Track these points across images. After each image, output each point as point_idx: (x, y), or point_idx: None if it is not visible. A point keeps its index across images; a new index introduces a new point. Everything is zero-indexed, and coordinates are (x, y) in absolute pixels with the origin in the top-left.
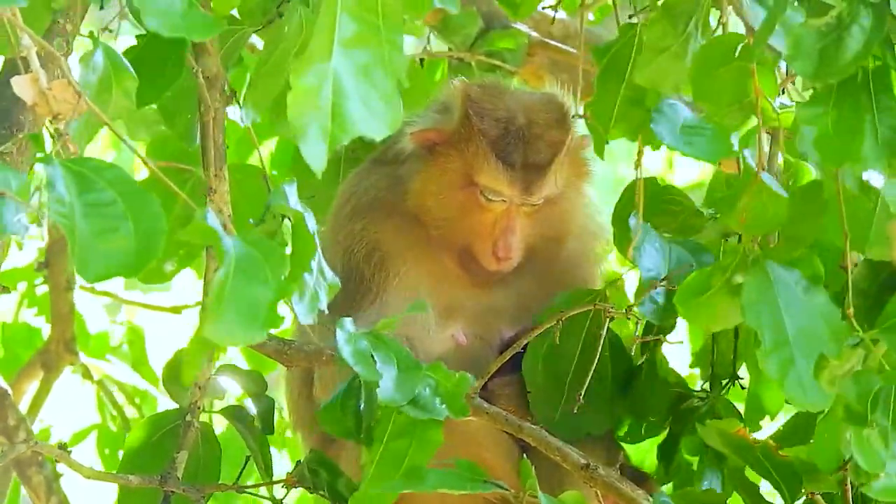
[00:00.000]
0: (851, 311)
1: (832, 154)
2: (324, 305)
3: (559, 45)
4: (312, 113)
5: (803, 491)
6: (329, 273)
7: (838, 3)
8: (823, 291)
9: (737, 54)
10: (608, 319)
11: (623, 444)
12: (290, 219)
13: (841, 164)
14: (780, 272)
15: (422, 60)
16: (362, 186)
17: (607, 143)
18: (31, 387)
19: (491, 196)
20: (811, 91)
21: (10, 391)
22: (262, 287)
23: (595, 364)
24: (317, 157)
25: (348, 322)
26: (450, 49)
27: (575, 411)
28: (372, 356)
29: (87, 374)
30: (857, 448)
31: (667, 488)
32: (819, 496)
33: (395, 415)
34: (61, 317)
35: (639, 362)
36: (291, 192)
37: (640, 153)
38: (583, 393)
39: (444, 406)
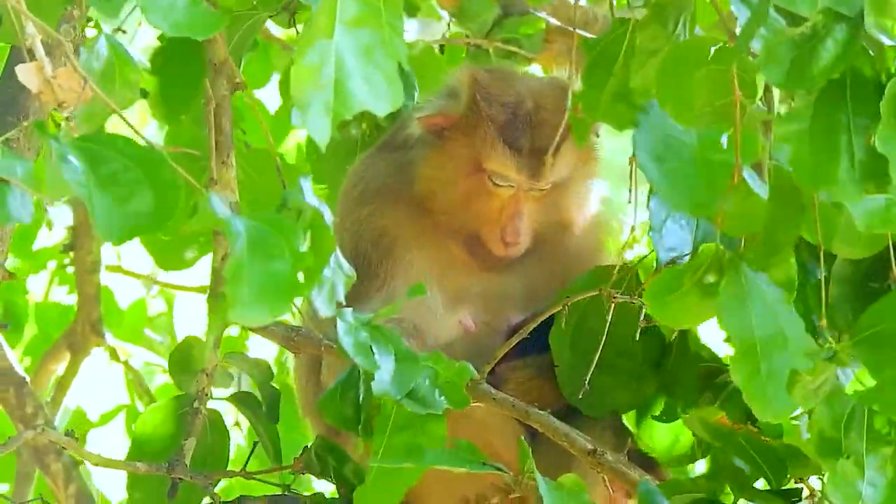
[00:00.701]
0: (825, 322)
1: (809, 177)
2: (341, 297)
3: (579, 31)
4: (315, 90)
5: (788, 476)
6: (346, 265)
7: (813, 14)
8: (790, 302)
9: (710, 57)
10: (614, 304)
11: (656, 422)
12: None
13: (818, 187)
14: (753, 276)
15: (441, 47)
16: (370, 172)
17: (597, 136)
18: (59, 368)
19: (498, 181)
20: (789, 105)
21: (27, 378)
22: (279, 260)
23: (623, 340)
24: (320, 131)
25: (348, 312)
26: (467, 36)
27: (602, 388)
28: (370, 347)
29: (114, 355)
30: (831, 484)
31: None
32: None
33: (395, 407)
34: (87, 298)
35: (671, 338)
36: (307, 185)
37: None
38: (592, 372)
39: (443, 398)
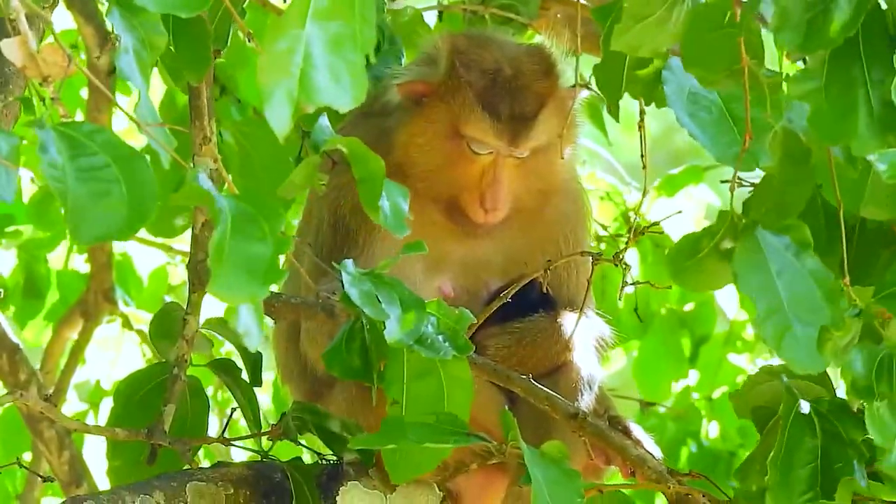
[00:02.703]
0: (848, 280)
1: (828, 132)
2: (407, 212)
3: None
4: (281, 78)
5: None
6: (392, 182)
7: None
8: (814, 255)
9: (726, 21)
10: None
11: None
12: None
13: (837, 142)
14: (770, 238)
15: (440, 14)
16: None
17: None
18: (73, 336)
19: (478, 148)
20: (802, 63)
21: (21, 345)
22: (260, 243)
23: None
24: (280, 121)
25: (350, 264)
26: (463, 2)
27: None
28: (377, 297)
29: (126, 322)
30: (870, 423)
31: None
32: None
33: (408, 354)
34: (100, 266)
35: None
36: (327, 125)
37: (642, 112)
38: None
39: (447, 344)
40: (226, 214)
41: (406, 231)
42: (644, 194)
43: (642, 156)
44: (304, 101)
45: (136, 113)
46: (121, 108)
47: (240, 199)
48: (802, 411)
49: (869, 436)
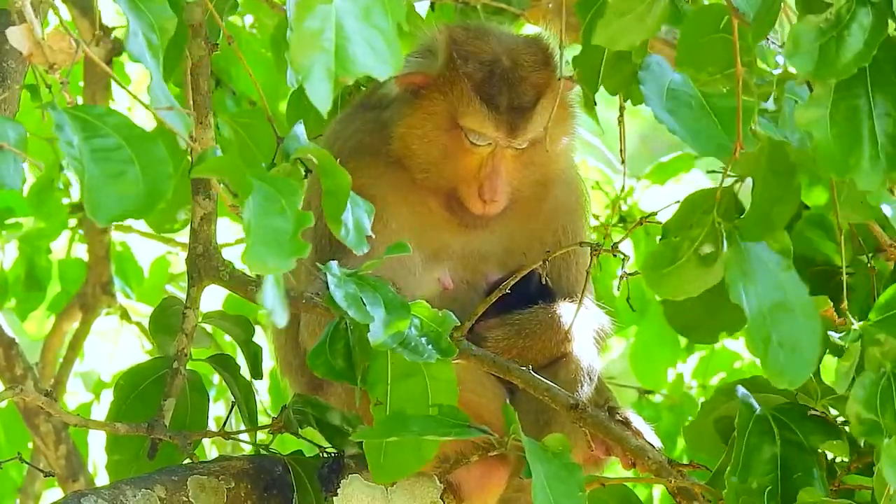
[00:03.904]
0: (846, 304)
1: (833, 165)
2: (370, 231)
3: None
4: (316, 54)
5: None
6: (361, 199)
7: (836, 0)
8: (792, 267)
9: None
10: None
11: None
12: (313, 159)
13: (842, 175)
14: (752, 246)
15: (432, 4)
16: (347, 131)
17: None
18: (72, 328)
19: (476, 139)
20: (809, 91)
21: (17, 339)
22: (281, 218)
23: None
24: (322, 97)
25: (335, 265)
26: None
27: (709, 313)
28: (361, 299)
29: (125, 315)
30: (886, 464)
31: None
32: None
33: (392, 355)
34: (98, 259)
35: None
36: (301, 133)
37: (622, 108)
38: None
39: (430, 346)
40: (256, 187)
41: (366, 248)
42: (622, 188)
43: (621, 151)
44: (342, 74)
45: (148, 95)
46: (130, 93)
47: (258, 178)
48: (762, 420)
49: (829, 443)
